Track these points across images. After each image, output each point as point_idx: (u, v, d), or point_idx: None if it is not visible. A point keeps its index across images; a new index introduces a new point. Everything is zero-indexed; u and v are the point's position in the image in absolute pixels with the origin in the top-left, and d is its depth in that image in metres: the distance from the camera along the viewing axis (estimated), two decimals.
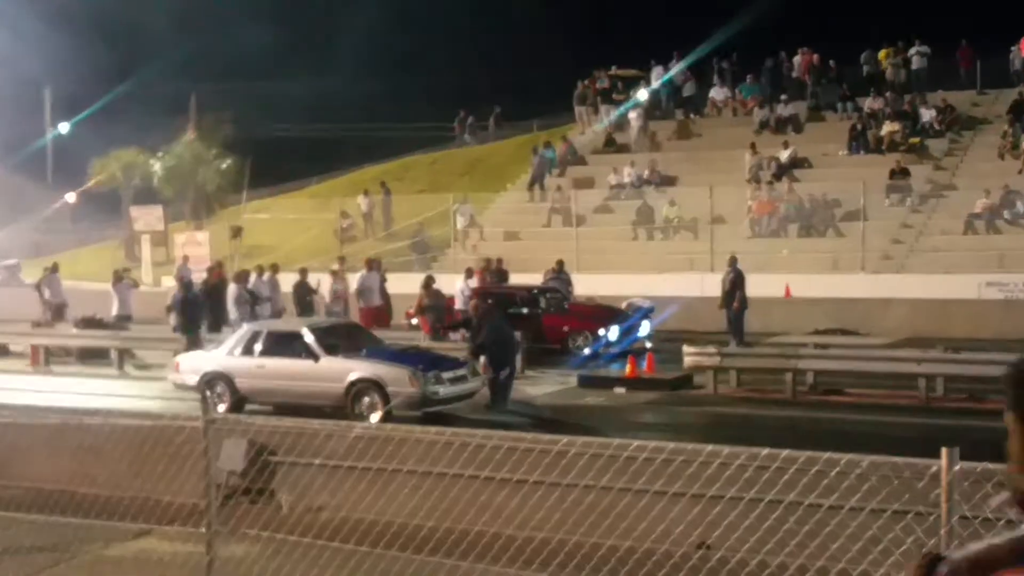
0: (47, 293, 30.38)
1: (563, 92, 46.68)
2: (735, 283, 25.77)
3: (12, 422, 12.77)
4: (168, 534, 10.95)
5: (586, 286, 29.92)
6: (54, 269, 31.45)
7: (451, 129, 51.25)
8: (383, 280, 29.14)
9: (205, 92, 52.54)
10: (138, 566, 10.16)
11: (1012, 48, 39.21)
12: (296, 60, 65.09)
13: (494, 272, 29.97)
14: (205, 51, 57.52)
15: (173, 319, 26.05)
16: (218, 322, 26.17)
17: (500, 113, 49.32)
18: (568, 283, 29.41)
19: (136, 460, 12.00)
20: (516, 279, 30.19)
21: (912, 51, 40.54)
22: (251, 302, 26.31)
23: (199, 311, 25.65)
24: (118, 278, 29.75)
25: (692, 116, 43.34)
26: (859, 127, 38.11)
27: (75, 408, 14.19)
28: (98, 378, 24.53)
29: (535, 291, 27.66)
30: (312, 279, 28.07)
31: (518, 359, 23.61)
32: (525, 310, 26.23)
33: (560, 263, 30.28)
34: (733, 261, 26.14)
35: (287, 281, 28.39)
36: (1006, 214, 32.60)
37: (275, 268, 28.67)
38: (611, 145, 42.26)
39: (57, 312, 29.88)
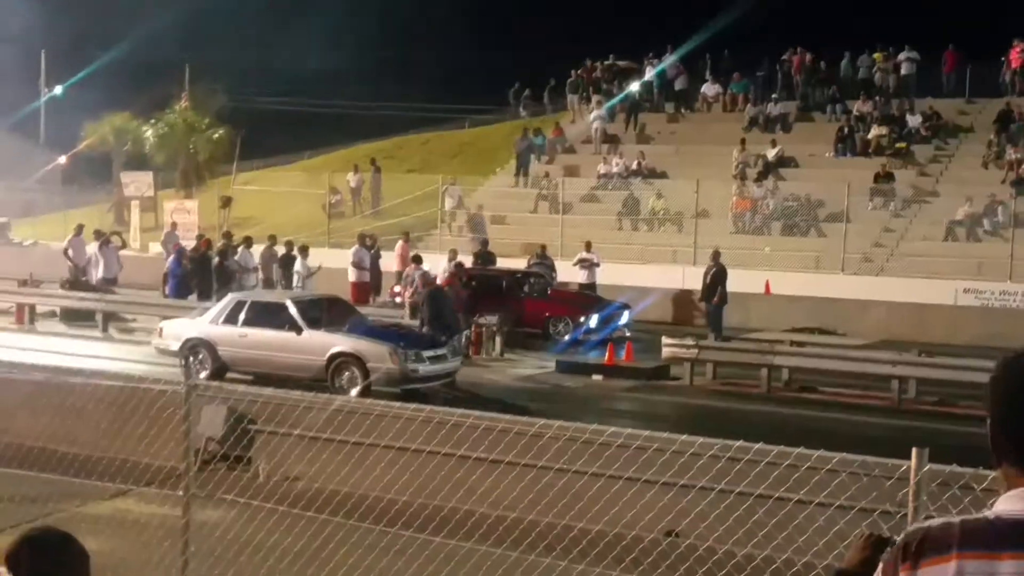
0: (72, 253, 30.02)
1: (560, 79, 46.73)
2: (717, 277, 25.82)
3: None
4: (145, 495, 10.97)
5: (569, 273, 29.96)
6: (78, 231, 30.67)
7: (502, 102, 50.14)
8: (376, 255, 29.22)
9: (201, 61, 52.43)
10: (114, 525, 10.18)
11: (1002, 59, 39.30)
12: (295, 33, 64.90)
13: (480, 255, 29.99)
14: (203, 20, 57.33)
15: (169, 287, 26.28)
16: (205, 290, 26.19)
17: (554, 87, 48.69)
18: (551, 269, 29.46)
19: (117, 421, 12.00)
20: (502, 263, 30.18)
21: (902, 56, 40.59)
22: (238, 272, 26.37)
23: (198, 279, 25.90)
24: (104, 240, 29.65)
25: (683, 110, 43.37)
26: (847, 130, 38.18)
27: (58, 367, 14.16)
28: (82, 339, 24.52)
29: (518, 275, 27.69)
30: (313, 257, 27.99)
31: (497, 342, 23.80)
32: (505, 290, 26.27)
33: (543, 248, 30.33)
34: (716, 255, 26.19)
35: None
36: (986, 223, 32.73)
37: (249, 241, 28.65)
38: (601, 136, 42.21)
39: (81, 273, 29.64)
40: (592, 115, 42.54)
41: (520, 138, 41.89)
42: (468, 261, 28.46)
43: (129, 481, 11.27)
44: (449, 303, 21.43)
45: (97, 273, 29.02)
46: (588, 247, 29.79)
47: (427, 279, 23.04)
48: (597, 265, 29.43)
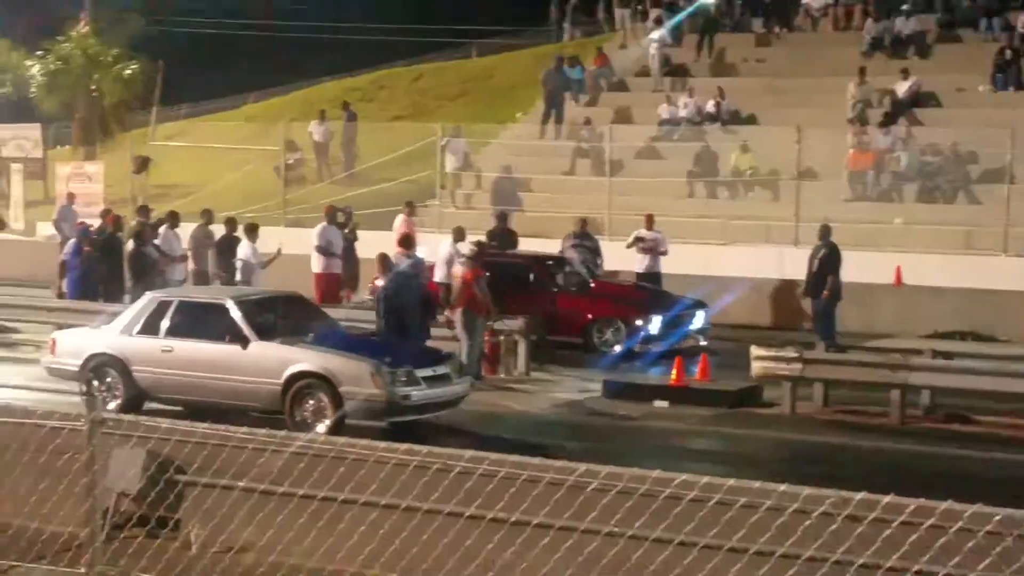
0: None
1: None
2: (827, 263, 25.76)
3: None
4: (36, 574, 10.99)
5: (621, 258, 29.95)
6: None
7: (544, 17, 50.18)
8: (351, 237, 29.23)
9: None
10: None
11: None
12: None
13: (496, 233, 29.96)
14: None
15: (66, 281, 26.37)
16: (115, 288, 26.26)
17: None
18: (595, 253, 29.42)
19: None
20: (525, 245, 30.20)
21: None
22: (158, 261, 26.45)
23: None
24: None
25: (777, 29, 43.25)
26: (1009, 53, 37.99)
27: None
28: None
29: (548, 263, 27.66)
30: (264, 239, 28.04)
31: (521, 355, 23.80)
32: (532, 283, 26.28)
33: (583, 223, 30.21)
34: (825, 232, 26.12)
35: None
36: None
37: (175, 218, 28.72)
38: (663, 66, 42.16)
39: None
40: (650, 36, 42.45)
41: (550, 69, 41.82)
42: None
43: (11, 556, 11.29)
44: (415, 299, 21.78)
45: None
46: (649, 222, 29.66)
47: (387, 265, 23.06)
48: (663, 252, 29.22)
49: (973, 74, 38.40)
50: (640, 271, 29.29)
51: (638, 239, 29.38)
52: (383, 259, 23.25)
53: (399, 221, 30.73)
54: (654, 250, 29.19)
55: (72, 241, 27.51)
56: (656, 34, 42.41)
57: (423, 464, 10.74)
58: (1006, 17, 39.80)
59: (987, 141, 34.18)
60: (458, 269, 24.00)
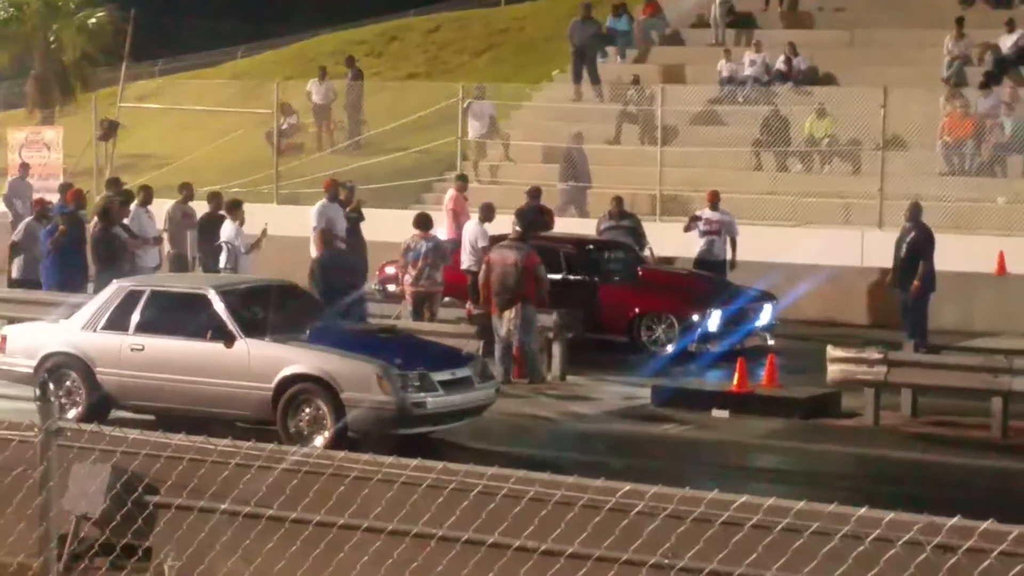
0: None
1: None
2: (917, 248, 25.68)
3: None
4: None
5: (671, 241, 29.92)
6: None
7: None
8: (357, 216, 29.27)
9: None
10: None
11: None
12: None
13: (524, 212, 29.97)
14: None
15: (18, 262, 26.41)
16: (77, 275, 26.31)
17: None
18: (639, 236, 29.38)
19: None
20: (563, 226, 30.20)
21: None
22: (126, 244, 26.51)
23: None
24: None
25: None
26: None
27: None
28: None
29: (589, 247, 27.68)
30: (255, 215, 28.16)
31: (556, 356, 23.82)
32: (569, 271, 26.29)
33: (619, 202, 30.07)
34: (915, 212, 26.04)
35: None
36: None
37: (147, 193, 28.80)
38: (725, 16, 42.08)
39: None
40: None
41: (576, 19, 41.65)
42: (506, 222, 28.52)
43: None
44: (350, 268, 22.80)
45: None
46: (714, 199, 29.42)
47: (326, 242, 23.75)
48: (725, 235, 29.02)
49: None
50: (702, 257, 29.07)
51: (696, 219, 29.25)
52: (322, 235, 24.54)
53: (448, 197, 30.58)
54: (718, 233, 29.00)
55: (46, 226, 27.30)
56: None
57: (437, 483, 10.75)
58: None
59: None
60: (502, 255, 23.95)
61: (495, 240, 26.63)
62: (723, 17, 42.07)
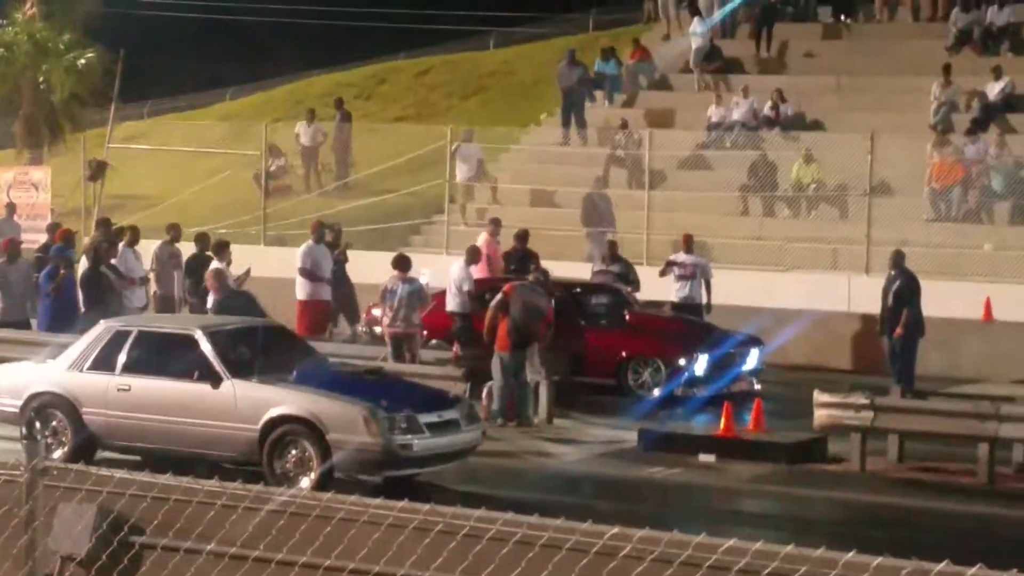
0: None
1: None
2: (903, 295, 25.77)
3: None
4: None
5: (660, 285, 29.97)
6: None
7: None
8: (342, 258, 29.30)
9: None
10: None
11: None
12: None
13: (514, 256, 30.00)
14: None
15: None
16: (66, 315, 26.28)
17: None
18: (629, 279, 29.43)
19: None
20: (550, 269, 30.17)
21: None
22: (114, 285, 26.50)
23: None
24: None
25: (846, 19, 43.30)
26: None
27: None
28: None
29: (576, 290, 27.70)
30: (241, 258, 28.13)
31: (543, 399, 23.82)
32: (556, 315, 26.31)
33: (612, 245, 30.26)
34: (898, 260, 26.11)
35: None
36: None
37: (135, 234, 28.80)
38: (713, 60, 42.21)
39: None
40: (695, 27, 42.46)
41: (563, 64, 41.77)
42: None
43: None
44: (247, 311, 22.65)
45: None
46: (687, 243, 29.72)
47: (220, 283, 24.27)
48: (700, 278, 29.15)
49: None
50: (676, 300, 29.27)
51: (671, 264, 29.41)
52: (216, 275, 24.69)
53: (481, 241, 30.48)
54: (694, 277, 29.16)
55: (46, 269, 27.17)
56: (696, 26, 42.28)
57: (424, 525, 10.71)
58: None
59: None
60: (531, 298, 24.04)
61: (481, 283, 26.73)
62: (697, 64, 42.21)
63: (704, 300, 29.25)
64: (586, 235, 34.40)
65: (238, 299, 24.09)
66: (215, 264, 26.12)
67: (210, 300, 24.87)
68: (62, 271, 26.44)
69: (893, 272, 26.21)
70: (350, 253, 30.13)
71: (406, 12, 54.94)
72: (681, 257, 29.54)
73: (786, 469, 21.06)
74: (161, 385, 19.34)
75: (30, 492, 9.89)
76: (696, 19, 42.67)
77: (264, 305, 26.16)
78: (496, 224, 31.59)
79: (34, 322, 26.38)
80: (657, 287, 29.93)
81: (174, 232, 29.37)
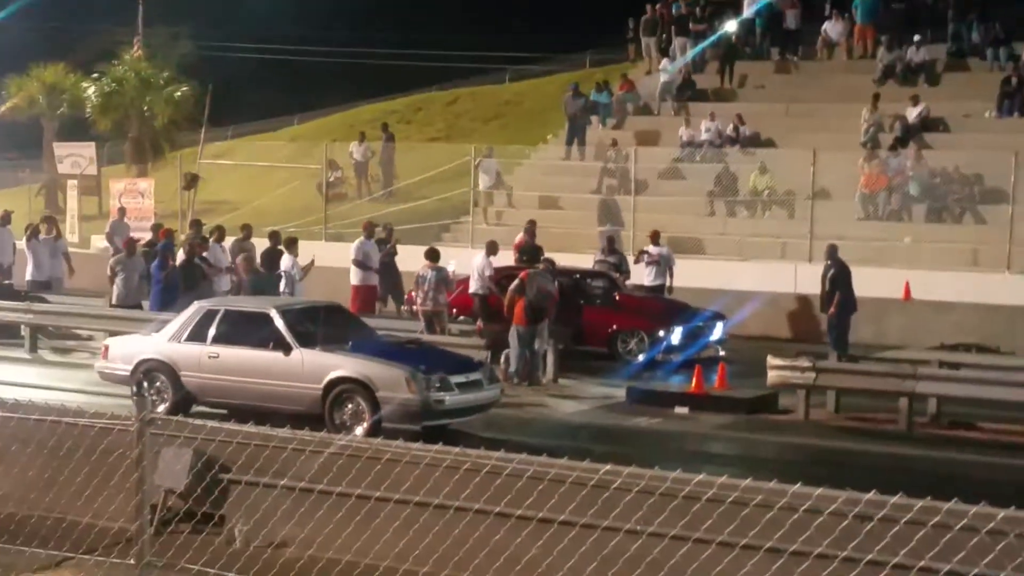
0: None
1: (630, 16, 46.66)
2: (836, 280, 25.67)
3: None
4: (88, 566, 11.03)
5: (643, 272, 29.91)
6: (2, 220, 31.13)
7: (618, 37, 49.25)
8: (393, 252, 29.32)
9: None
10: None
11: None
12: None
13: (528, 248, 29.95)
14: None
15: (115, 290, 26.41)
16: (169, 297, 26.31)
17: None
18: (620, 268, 29.45)
19: (49, 469, 12.07)
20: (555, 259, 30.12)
21: None
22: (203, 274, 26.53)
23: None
24: (33, 232, 29.97)
25: (795, 57, 43.21)
26: (1014, 81, 37.87)
27: None
28: (4, 361, 24.69)
29: (576, 276, 27.71)
30: (306, 250, 28.11)
31: (549, 364, 23.85)
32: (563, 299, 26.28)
33: (610, 241, 30.36)
34: (833, 252, 25.98)
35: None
36: None
37: (221, 232, 28.86)
38: (686, 90, 42.18)
39: (4, 274, 30.01)
40: (664, 65, 42.42)
41: (568, 95, 41.85)
42: (508, 256, 28.53)
43: (65, 547, 11.33)
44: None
45: (25, 274, 29.32)
46: (655, 237, 29.83)
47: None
48: (665, 265, 29.15)
49: (979, 101, 38.25)
50: (647, 284, 29.34)
51: (643, 252, 29.55)
52: (245, 260, 25.65)
53: (518, 239, 30.30)
54: (658, 263, 29.26)
55: (157, 260, 27.12)
56: (665, 64, 42.51)
57: (454, 464, 10.76)
58: (1011, 47, 39.62)
59: (992, 164, 34.00)
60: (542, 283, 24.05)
61: (500, 270, 26.75)
62: (662, 97, 42.21)
63: (668, 283, 29.34)
64: (599, 232, 34.23)
65: (260, 278, 24.83)
66: (243, 253, 26.49)
67: (241, 279, 25.67)
68: (170, 262, 26.48)
69: (828, 262, 26.11)
70: (399, 248, 30.09)
71: (438, 52, 54.83)
72: (651, 248, 29.63)
73: (745, 419, 21.03)
74: (243, 353, 19.32)
75: (139, 438, 9.92)
76: (665, 59, 42.85)
77: (324, 289, 26.23)
78: (532, 224, 31.41)
79: (145, 304, 26.37)
80: (643, 274, 29.94)
81: (246, 231, 29.34)
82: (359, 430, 18.11)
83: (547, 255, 26.96)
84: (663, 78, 42.42)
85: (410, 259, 29.17)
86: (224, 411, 19.40)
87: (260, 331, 19.37)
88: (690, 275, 29.68)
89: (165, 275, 25.89)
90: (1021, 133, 35.76)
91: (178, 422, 12.64)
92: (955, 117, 38.09)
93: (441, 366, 19.18)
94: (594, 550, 10.01)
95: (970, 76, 40.19)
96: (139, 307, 26.33)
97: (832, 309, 25.75)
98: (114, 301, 26.97)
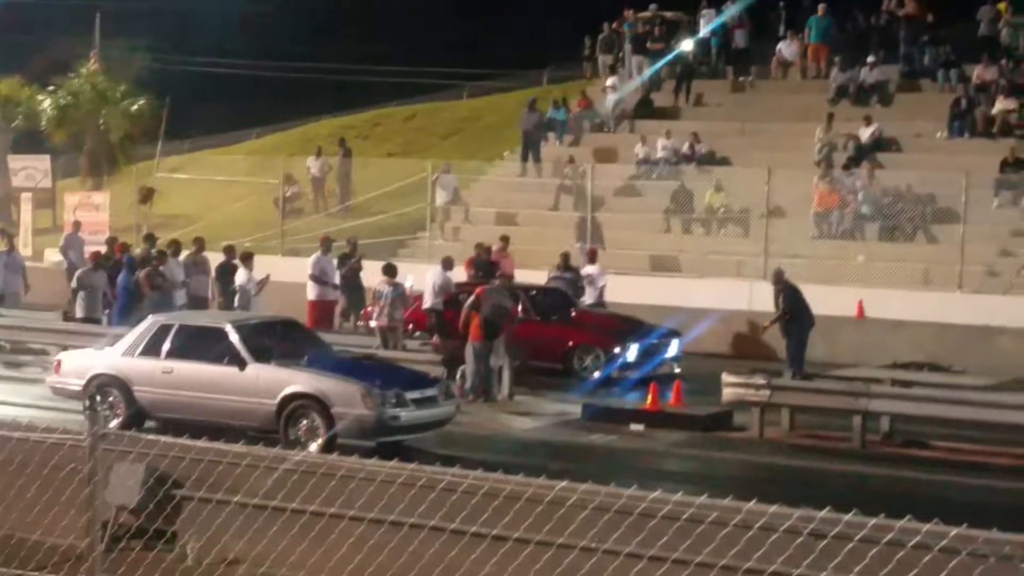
0: None
1: (587, 34, 46.72)
2: (789, 303, 25.31)
3: None
4: None
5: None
6: None
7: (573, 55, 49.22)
8: (357, 266, 29.21)
9: (115, 9, 52.49)
10: None
11: None
12: None
13: (482, 263, 29.95)
14: None
15: (80, 304, 26.24)
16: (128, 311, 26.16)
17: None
18: (575, 284, 29.41)
19: None
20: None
21: None
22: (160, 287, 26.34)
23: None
24: None
25: (749, 77, 43.36)
26: (964, 103, 38.12)
27: None
28: None
29: (532, 293, 27.67)
30: (262, 265, 27.98)
31: (505, 380, 23.79)
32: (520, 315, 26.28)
33: (566, 257, 30.31)
34: (779, 276, 25.59)
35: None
36: None
37: (176, 246, 28.70)
38: (643, 108, 42.26)
39: None
40: (614, 82, 42.54)
41: (527, 111, 41.86)
42: (460, 272, 28.49)
43: (14, 564, 11.21)
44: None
45: None
46: (592, 256, 30.09)
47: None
48: (593, 282, 29.25)
49: (931, 121, 38.48)
50: (589, 302, 29.21)
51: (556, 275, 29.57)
52: (147, 279, 25.62)
53: (495, 249, 30.57)
54: (593, 283, 29.27)
55: (123, 271, 26.94)
56: (612, 81, 42.62)
57: (409, 480, 10.70)
58: (962, 69, 39.87)
59: (943, 184, 34.25)
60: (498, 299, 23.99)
61: (460, 285, 26.72)
62: (613, 118, 42.38)
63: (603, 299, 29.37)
64: (579, 247, 34.17)
65: (164, 295, 25.73)
66: (146, 268, 26.43)
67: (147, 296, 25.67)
68: (142, 278, 26.31)
69: (777, 286, 25.75)
70: (363, 263, 29.95)
71: (397, 68, 54.75)
72: (587, 268, 29.67)
73: (700, 436, 21.05)
74: (197, 368, 19.25)
75: (92, 453, 9.83)
76: (613, 77, 42.89)
77: (280, 304, 26.09)
78: (505, 241, 31.55)
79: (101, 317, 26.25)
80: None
81: (198, 244, 29.21)
82: (314, 446, 18.04)
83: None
84: (611, 95, 42.47)
85: (366, 274, 29.11)
86: (178, 427, 19.27)
87: (215, 346, 19.31)
88: (646, 291, 29.70)
89: (130, 290, 25.79)
90: (971, 154, 36.05)
91: (131, 437, 12.54)
92: (907, 137, 38.31)
93: (396, 382, 19.14)
94: (549, 567, 9.96)
95: (922, 97, 40.43)
96: (98, 322, 26.16)
97: (767, 324, 25.71)
98: (80, 315, 26.79)
